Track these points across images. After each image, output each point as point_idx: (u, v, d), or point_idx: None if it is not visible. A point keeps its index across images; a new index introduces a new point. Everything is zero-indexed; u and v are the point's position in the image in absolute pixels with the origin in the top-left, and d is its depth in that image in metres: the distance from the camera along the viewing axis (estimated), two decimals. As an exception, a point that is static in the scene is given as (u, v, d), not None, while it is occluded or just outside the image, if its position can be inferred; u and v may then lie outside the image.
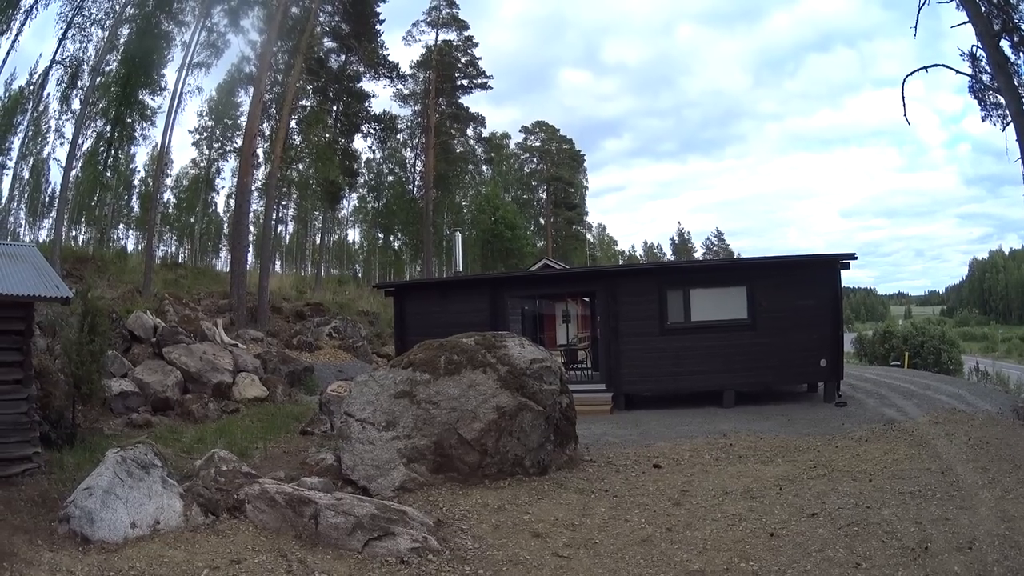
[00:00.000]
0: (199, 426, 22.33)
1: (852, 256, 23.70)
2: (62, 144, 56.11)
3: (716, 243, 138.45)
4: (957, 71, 23.02)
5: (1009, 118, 21.45)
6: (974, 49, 22.67)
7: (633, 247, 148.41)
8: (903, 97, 23.99)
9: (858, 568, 9.12)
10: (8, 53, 51.03)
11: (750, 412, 21.73)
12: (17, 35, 50.27)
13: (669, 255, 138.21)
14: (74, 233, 67.09)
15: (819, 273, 23.90)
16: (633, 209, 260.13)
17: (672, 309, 24.28)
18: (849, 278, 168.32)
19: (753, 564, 9.55)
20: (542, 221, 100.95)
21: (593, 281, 28.37)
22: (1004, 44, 21.73)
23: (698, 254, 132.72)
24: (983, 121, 23.96)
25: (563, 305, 41.52)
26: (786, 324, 23.20)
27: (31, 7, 49.73)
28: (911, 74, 23.75)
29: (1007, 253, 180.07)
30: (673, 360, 23.80)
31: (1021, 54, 21.92)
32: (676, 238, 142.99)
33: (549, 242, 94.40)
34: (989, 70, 22.13)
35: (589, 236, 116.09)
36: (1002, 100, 22.01)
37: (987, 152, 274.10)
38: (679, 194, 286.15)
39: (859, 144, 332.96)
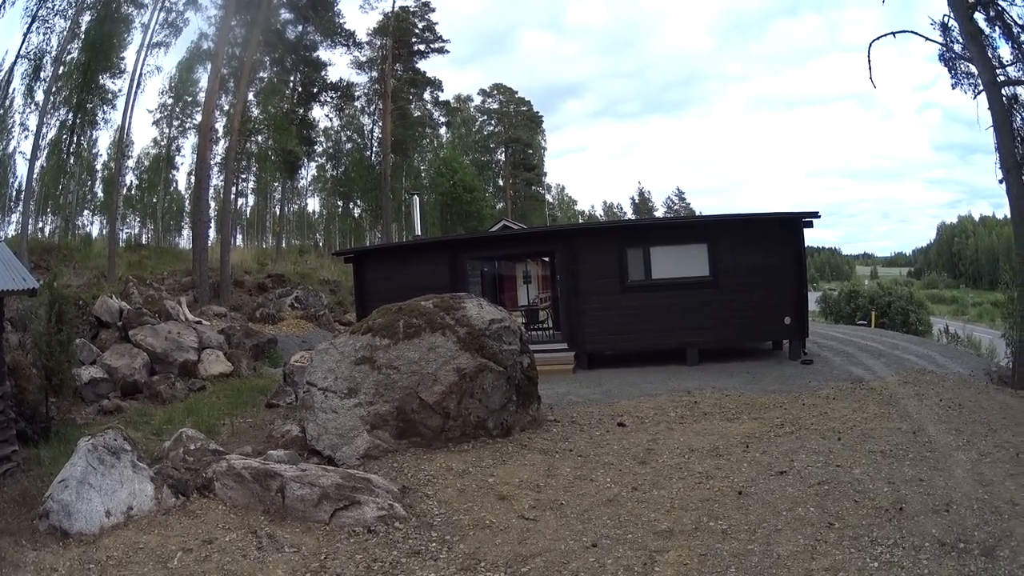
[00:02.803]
0: (168, 407, 22.09)
1: (815, 215, 23.66)
2: (27, 138, 55.78)
3: (677, 202, 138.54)
4: (927, 39, 22.98)
5: (980, 87, 21.45)
6: (946, 19, 22.66)
7: (593, 207, 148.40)
8: (869, 60, 24.02)
9: (831, 528, 9.10)
10: None
11: (714, 370, 21.70)
12: None
13: (629, 214, 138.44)
14: (41, 224, 66.39)
15: (782, 231, 23.90)
16: (594, 170, 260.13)
17: (633, 267, 24.20)
18: (813, 237, 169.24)
19: (722, 523, 9.51)
20: (501, 183, 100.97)
21: (553, 240, 28.22)
22: (978, 16, 21.75)
23: (659, 213, 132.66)
24: (953, 89, 23.91)
25: (523, 266, 41.53)
26: (749, 281, 23.19)
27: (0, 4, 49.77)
28: (878, 38, 23.76)
29: (977, 219, 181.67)
30: (635, 318, 23.81)
31: (996, 27, 21.94)
32: (636, 197, 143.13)
33: (508, 204, 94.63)
34: (961, 40, 22.10)
35: (548, 197, 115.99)
36: (973, 69, 22.00)
37: (957, 120, 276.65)
38: (641, 155, 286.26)
39: (826, 106, 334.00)
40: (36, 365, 20.02)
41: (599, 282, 24.35)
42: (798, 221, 23.80)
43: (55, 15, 50.93)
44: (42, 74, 51.66)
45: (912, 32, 23.09)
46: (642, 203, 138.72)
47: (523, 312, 32.21)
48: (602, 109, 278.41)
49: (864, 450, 12.25)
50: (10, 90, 55.25)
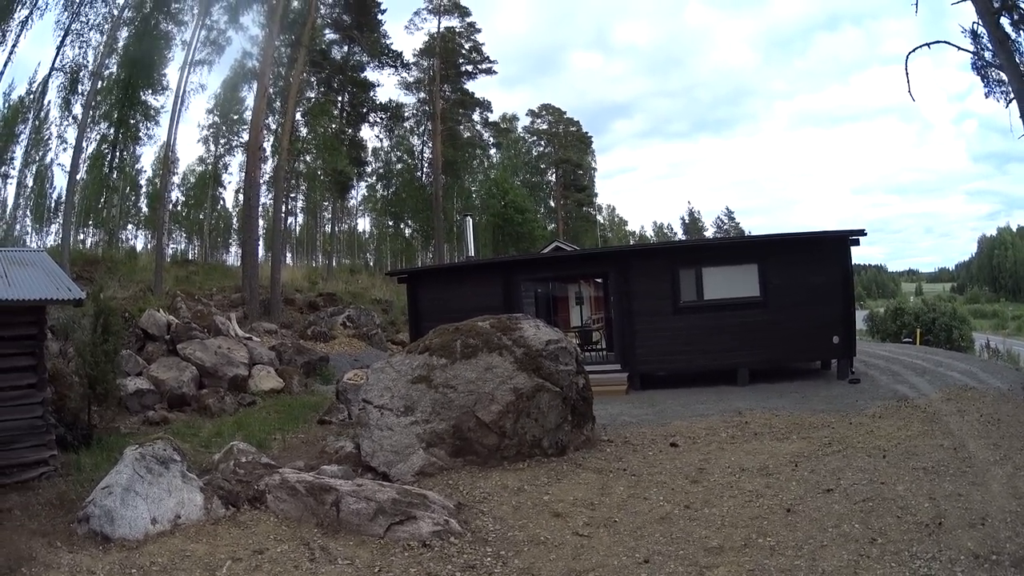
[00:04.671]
0: (216, 420, 22.41)
1: (862, 232, 23.51)
2: (65, 150, 56.30)
3: (727, 222, 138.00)
4: (959, 48, 22.94)
5: (1012, 95, 21.43)
6: (975, 26, 22.59)
7: (643, 228, 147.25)
8: (907, 74, 24.02)
9: (873, 543, 9.16)
10: (5, 65, 51.48)
11: (764, 390, 21.77)
12: (13, 47, 50.74)
13: (680, 235, 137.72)
14: (82, 236, 66.95)
15: (829, 250, 23.81)
16: (644, 190, 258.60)
17: (685, 288, 24.27)
18: (860, 255, 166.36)
19: (771, 540, 9.63)
20: (552, 204, 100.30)
21: (605, 262, 28.26)
22: (1004, 21, 21.69)
23: (709, 233, 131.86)
24: (987, 98, 23.90)
25: (576, 287, 41.48)
26: (798, 301, 23.17)
27: (26, 18, 50.21)
28: (914, 50, 23.75)
29: (1015, 230, 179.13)
30: (687, 339, 23.86)
31: (1021, 31, 21.89)
32: (687, 217, 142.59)
33: (560, 224, 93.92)
34: (991, 47, 22.03)
35: (600, 218, 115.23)
36: (1004, 77, 21.97)
37: (993, 129, 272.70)
38: (690, 174, 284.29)
39: (868, 120, 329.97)
40: (79, 373, 20.21)
41: (652, 303, 24.49)
42: (845, 239, 23.73)
43: (90, 29, 51.52)
44: (80, 88, 52.23)
45: (945, 42, 23.10)
46: (692, 223, 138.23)
47: (577, 333, 32.25)
48: (651, 129, 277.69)
49: (908, 467, 12.36)
50: (45, 102, 56.27)
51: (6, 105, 56.79)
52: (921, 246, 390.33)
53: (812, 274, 23.38)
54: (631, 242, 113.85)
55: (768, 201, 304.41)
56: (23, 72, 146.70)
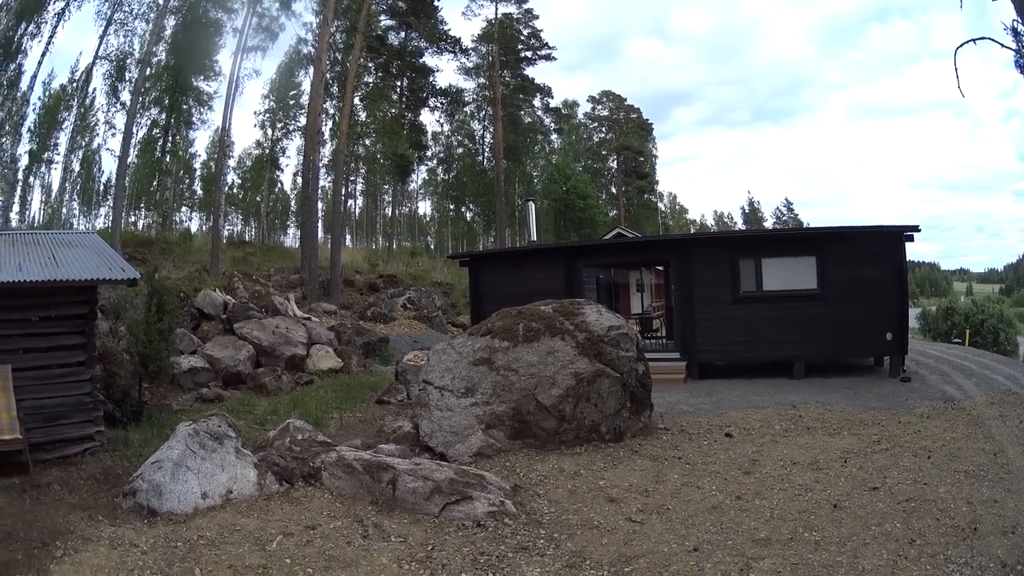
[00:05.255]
0: (272, 398, 22.64)
1: (916, 228, 23.40)
2: (113, 135, 58.02)
3: (786, 213, 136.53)
4: (1002, 45, 22.80)
5: (1052, 95, 21.17)
6: (1015, 23, 22.45)
7: (704, 216, 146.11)
8: (955, 68, 23.82)
9: (912, 544, 9.27)
10: (43, 55, 53.77)
11: (819, 384, 21.73)
12: (50, 38, 52.69)
13: (740, 225, 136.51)
14: (133, 219, 68.99)
15: (885, 244, 23.63)
16: (705, 178, 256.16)
17: (745, 278, 24.29)
18: (914, 252, 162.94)
19: (816, 534, 9.76)
20: (613, 190, 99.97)
21: (667, 249, 28.27)
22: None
23: (768, 224, 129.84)
24: (1030, 95, 23.67)
25: (637, 274, 41.35)
26: (854, 295, 23.02)
27: (62, 9, 51.54)
28: (961, 46, 23.62)
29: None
30: (746, 330, 23.89)
31: (1061, 29, 21.62)
32: (746, 207, 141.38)
33: (621, 211, 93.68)
34: (1031, 44, 21.87)
35: (661, 205, 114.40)
36: (1045, 76, 21.74)
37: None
38: (750, 163, 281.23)
39: (922, 114, 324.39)
40: (130, 352, 20.83)
41: (712, 292, 24.52)
42: (900, 235, 23.60)
43: (135, 18, 52.99)
44: (127, 75, 53.77)
45: (989, 39, 22.90)
46: (752, 213, 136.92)
47: (637, 320, 32.25)
48: (712, 117, 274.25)
49: (950, 469, 12.38)
50: (89, 89, 58.08)
51: (47, 94, 58.89)
52: (972, 245, 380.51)
53: (867, 269, 23.22)
54: (692, 230, 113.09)
55: (825, 193, 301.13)
56: (62, 61, 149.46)
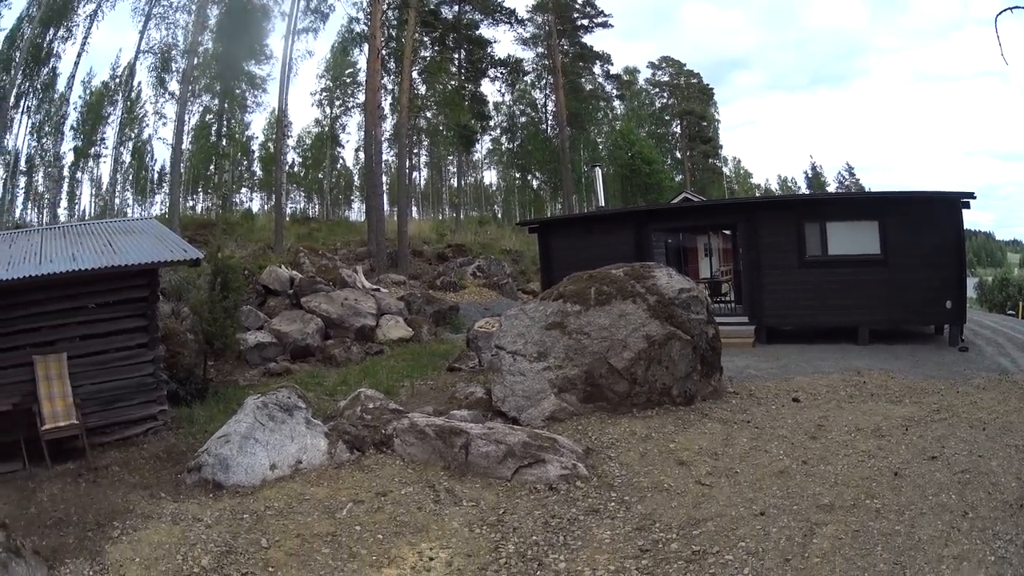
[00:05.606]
0: (341, 369, 22.97)
1: (971, 195, 23.07)
2: (164, 124, 59.46)
3: (847, 177, 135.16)
4: None
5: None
6: None
7: (768, 181, 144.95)
8: (997, 35, 23.77)
9: (965, 516, 9.24)
10: (79, 56, 56.23)
11: (882, 351, 21.66)
12: (84, 40, 53.61)
13: (803, 189, 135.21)
14: (191, 203, 71.11)
15: (942, 211, 23.42)
16: (767, 143, 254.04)
17: (810, 242, 24.28)
18: (970, 220, 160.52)
19: (877, 502, 9.80)
20: (678, 155, 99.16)
21: (735, 213, 28.31)
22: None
23: (831, 188, 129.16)
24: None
25: (704, 238, 41.33)
26: (915, 262, 22.95)
27: (94, 11, 53.63)
28: (1000, 13, 23.53)
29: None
30: (812, 294, 23.94)
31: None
32: (809, 172, 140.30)
33: (687, 176, 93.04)
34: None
35: (725, 170, 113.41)
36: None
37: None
38: (811, 128, 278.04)
39: (971, 80, 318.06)
40: (193, 331, 21.40)
41: (778, 256, 24.62)
42: (957, 201, 23.29)
43: (175, 11, 54.39)
44: (173, 66, 55.27)
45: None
46: (815, 178, 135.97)
47: (706, 284, 32.20)
48: (771, 81, 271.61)
49: (1003, 443, 12.25)
50: (134, 83, 60.49)
51: (87, 92, 61.26)
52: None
53: (927, 235, 23.08)
54: (756, 195, 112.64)
55: (883, 158, 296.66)
56: (102, 59, 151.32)
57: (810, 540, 8.85)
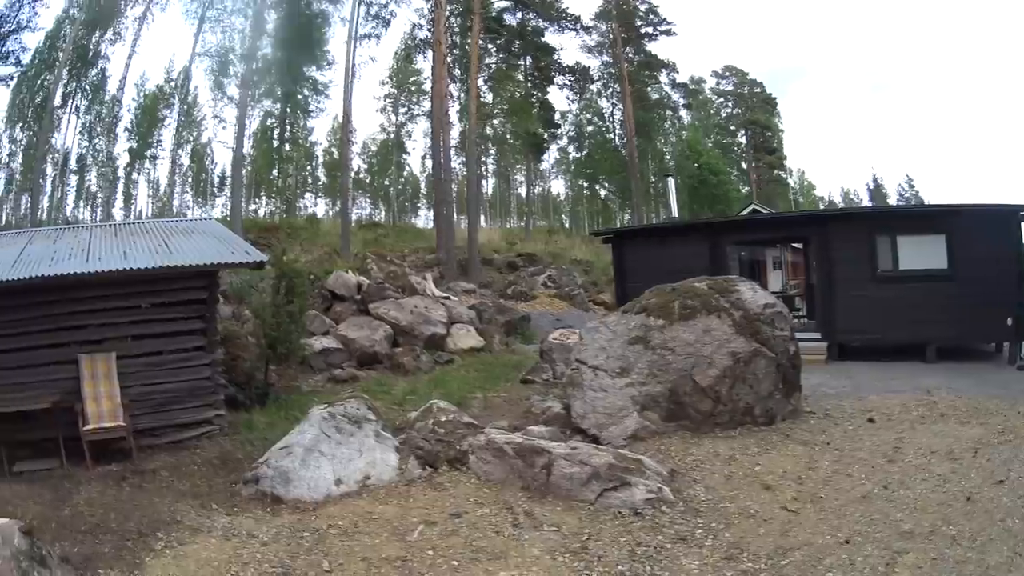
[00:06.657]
0: (410, 378, 22.72)
1: None
2: (224, 127, 60.87)
3: (907, 189, 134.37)
4: None
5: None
6: None
7: (830, 193, 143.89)
8: None
9: None
10: (129, 58, 58.04)
11: (949, 369, 21.11)
12: (135, 42, 54.46)
13: (866, 202, 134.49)
14: (253, 207, 71.71)
15: (1001, 224, 23.36)
16: (828, 155, 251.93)
17: (882, 257, 24.13)
18: None
19: (952, 528, 9.55)
20: (744, 166, 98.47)
21: (808, 226, 28.28)
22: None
23: (892, 201, 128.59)
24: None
25: (774, 251, 41.50)
26: (978, 277, 22.56)
27: (143, 14, 55.39)
28: None
29: None
30: (883, 310, 23.58)
31: None
32: (871, 184, 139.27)
33: (753, 187, 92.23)
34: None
35: (790, 181, 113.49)
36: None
37: None
38: (870, 138, 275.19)
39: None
40: (255, 335, 21.03)
41: (851, 270, 24.45)
42: (1016, 213, 23.34)
43: (230, 14, 55.46)
44: (231, 70, 56.18)
45: None
46: (876, 190, 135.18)
47: (779, 298, 32.14)
48: (828, 91, 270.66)
49: None
50: (191, 87, 61.91)
51: (141, 94, 62.91)
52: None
53: (988, 248, 22.90)
54: (820, 207, 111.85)
55: (942, 170, 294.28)
56: (155, 62, 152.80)
57: (892, 570, 8.70)
